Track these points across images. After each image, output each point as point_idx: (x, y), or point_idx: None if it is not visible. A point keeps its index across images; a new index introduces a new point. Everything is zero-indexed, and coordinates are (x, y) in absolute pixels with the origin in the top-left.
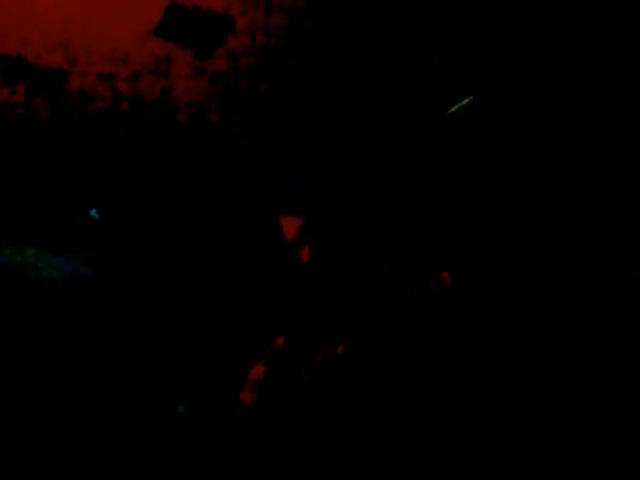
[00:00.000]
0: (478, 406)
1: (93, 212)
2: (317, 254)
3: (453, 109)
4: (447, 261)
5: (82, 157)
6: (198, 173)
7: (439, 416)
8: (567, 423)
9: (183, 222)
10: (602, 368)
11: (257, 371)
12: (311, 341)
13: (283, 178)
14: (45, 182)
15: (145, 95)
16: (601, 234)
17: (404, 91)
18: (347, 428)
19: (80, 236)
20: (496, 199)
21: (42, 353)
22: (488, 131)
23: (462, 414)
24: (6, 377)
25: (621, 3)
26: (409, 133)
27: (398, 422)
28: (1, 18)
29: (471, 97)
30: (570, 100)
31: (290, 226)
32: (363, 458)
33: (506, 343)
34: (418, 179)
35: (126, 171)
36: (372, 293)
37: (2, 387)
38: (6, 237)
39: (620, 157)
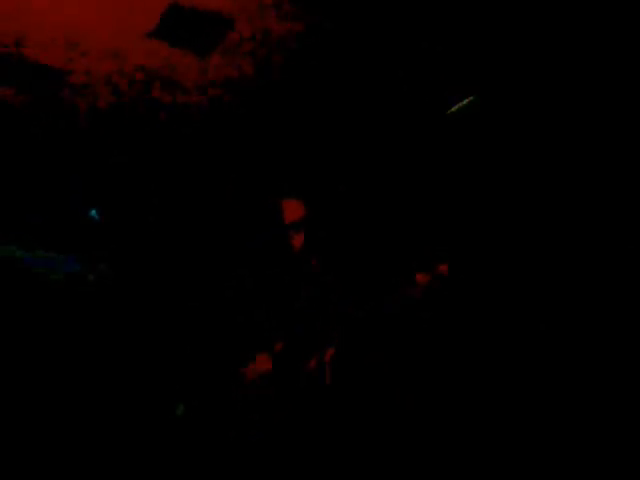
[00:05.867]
0: (477, 404)
1: (93, 212)
2: (317, 252)
3: (453, 109)
4: (445, 256)
5: (82, 157)
6: (197, 172)
7: (438, 414)
8: (567, 422)
9: (183, 221)
10: (602, 366)
11: (257, 372)
12: (310, 342)
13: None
14: (45, 182)
15: (146, 95)
16: (602, 232)
17: (404, 91)
18: (346, 429)
19: (81, 236)
20: (496, 199)
21: (45, 352)
22: (489, 131)
23: (461, 412)
24: (10, 377)
25: (621, 3)
26: (409, 133)
27: (397, 421)
28: (1, 17)
29: (472, 97)
30: (571, 99)
31: (291, 210)
32: (363, 459)
33: (505, 340)
34: (418, 178)
35: (126, 171)
36: (366, 289)
37: (6, 387)
38: (7, 237)
39: (622, 156)
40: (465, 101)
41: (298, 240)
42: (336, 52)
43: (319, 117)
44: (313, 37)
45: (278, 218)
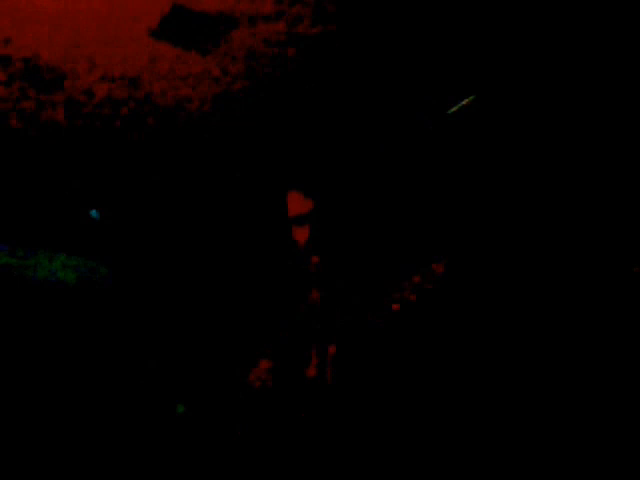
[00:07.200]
0: (477, 404)
1: (93, 212)
2: (322, 250)
3: (453, 109)
4: (443, 256)
5: (82, 157)
6: (197, 172)
7: (438, 414)
8: (567, 422)
9: (183, 221)
10: (603, 367)
11: (257, 372)
12: (310, 342)
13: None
14: (45, 182)
15: (146, 95)
16: (601, 233)
17: (404, 91)
18: (346, 429)
19: (81, 237)
20: (496, 199)
21: (45, 353)
22: (489, 131)
23: (461, 412)
24: (16, 378)
25: (621, 3)
26: (409, 133)
27: (397, 421)
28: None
29: (472, 97)
30: (571, 99)
31: (296, 202)
32: (363, 459)
33: (504, 339)
34: (418, 179)
35: (126, 171)
36: (363, 291)
37: (11, 388)
38: (8, 238)
39: (622, 156)
40: (465, 101)
41: (302, 235)
42: (336, 52)
43: (319, 117)
44: (313, 37)
45: (280, 216)
